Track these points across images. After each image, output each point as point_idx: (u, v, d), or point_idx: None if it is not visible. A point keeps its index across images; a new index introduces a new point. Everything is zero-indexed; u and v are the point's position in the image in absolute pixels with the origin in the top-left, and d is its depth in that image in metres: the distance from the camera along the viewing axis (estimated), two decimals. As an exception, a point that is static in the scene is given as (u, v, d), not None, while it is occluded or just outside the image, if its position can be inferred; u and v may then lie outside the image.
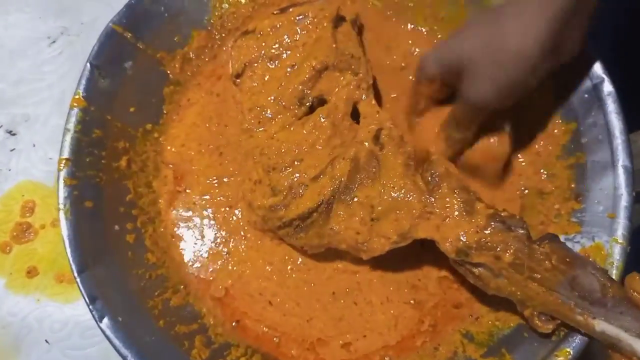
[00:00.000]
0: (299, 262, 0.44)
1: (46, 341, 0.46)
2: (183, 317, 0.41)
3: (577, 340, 0.36)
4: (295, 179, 0.41)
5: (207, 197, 0.46)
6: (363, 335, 0.42)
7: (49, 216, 0.49)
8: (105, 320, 0.36)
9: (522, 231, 0.37)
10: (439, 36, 0.50)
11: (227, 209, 0.46)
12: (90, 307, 0.36)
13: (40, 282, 0.48)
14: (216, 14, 0.49)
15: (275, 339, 0.42)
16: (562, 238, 0.39)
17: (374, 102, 0.43)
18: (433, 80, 0.42)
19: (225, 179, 0.47)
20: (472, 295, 0.43)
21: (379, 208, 0.39)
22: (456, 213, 0.38)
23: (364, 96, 0.43)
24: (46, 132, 0.51)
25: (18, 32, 0.56)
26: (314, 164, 0.41)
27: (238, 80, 0.45)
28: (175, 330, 0.39)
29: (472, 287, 0.41)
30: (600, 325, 0.34)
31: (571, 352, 0.36)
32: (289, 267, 0.44)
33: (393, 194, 0.39)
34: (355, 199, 0.40)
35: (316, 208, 0.40)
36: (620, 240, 0.37)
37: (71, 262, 0.37)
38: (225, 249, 0.45)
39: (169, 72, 0.48)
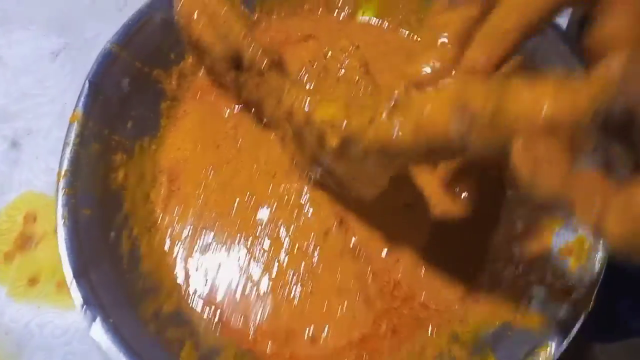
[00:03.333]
0: (267, 240, 0.46)
1: (47, 346, 0.47)
2: (174, 322, 0.42)
3: (558, 334, 0.37)
4: None
5: (202, 185, 0.48)
6: (326, 328, 0.43)
7: (50, 225, 0.51)
8: (97, 320, 0.38)
9: None
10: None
11: (221, 192, 0.48)
12: (83, 309, 0.38)
13: (41, 290, 0.49)
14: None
15: (251, 333, 0.43)
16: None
17: None
18: None
19: (222, 166, 0.48)
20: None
21: None
22: None
23: None
24: (48, 145, 0.53)
25: (22, 49, 0.58)
26: None
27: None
28: (165, 334, 0.41)
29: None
30: None
31: (551, 345, 0.37)
32: (258, 241, 0.46)
33: None
34: None
35: None
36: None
37: (66, 265, 0.39)
38: (212, 233, 0.46)
39: (165, 88, 0.50)
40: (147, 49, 0.49)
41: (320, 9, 0.55)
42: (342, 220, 0.46)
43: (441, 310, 0.43)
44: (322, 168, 0.40)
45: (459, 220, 0.46)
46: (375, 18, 0.55)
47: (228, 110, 0.51)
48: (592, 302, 0.38)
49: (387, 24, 0.55)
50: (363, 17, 0.55)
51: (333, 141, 0.31)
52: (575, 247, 0.40)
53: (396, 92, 0.28)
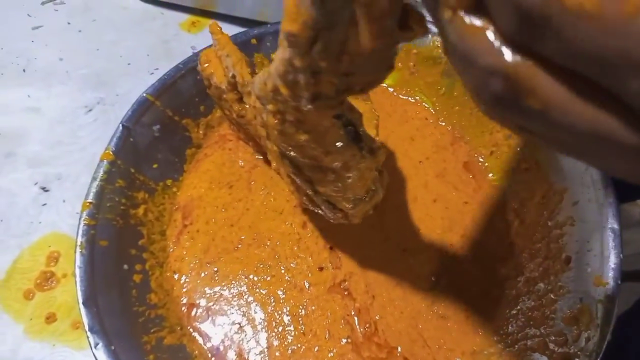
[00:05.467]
0: (268, 275, 0.47)
1: (56, 385, 0.47)
2: (174, 355, 0.42)
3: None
4: None
5: (213, 220, 0.50)
6: None
7: (71, 266, 0.51)
8: (99, 346, 0.38)
9: None
10: (438, 108, 0.54)
11: (228, 228, 0.49)
12: (88, 333, 0.39)
13: (57, 328, 0.50)
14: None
15: None
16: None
17: None
18: None
19: (233, 204, 0.51)
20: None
21: None
22: None
23: None
24: (76, 190, 0.55)
25: (59, 102, 0.62)
26: None
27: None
28: (163, 366, 0.41)
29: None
30: None
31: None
32: (258, 278, 0.47)
33: None
34: None
35: None
36: (606, 302, 0.37)
37: (78, 290, 0.40)
38: (216, 268, 0.47)
39: (192, 136, 0.53)
40: (179, 100, 0.52)
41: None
42: (332, 248, 0.48)
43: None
44: (293, 167, 0.40)
45: (466, 282, 0.46)
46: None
47: (245, 157, 0.53)
48: None
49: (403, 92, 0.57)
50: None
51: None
52: (580, 315, 0.39)
53: None
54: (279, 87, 0.29)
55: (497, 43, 0.16)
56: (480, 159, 0.52)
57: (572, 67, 0.15)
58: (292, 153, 0.36)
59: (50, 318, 0.50)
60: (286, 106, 0.31)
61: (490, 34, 0.16)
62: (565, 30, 0.14)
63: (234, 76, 0.43)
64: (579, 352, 0.37)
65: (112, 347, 0.38)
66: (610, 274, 0.39)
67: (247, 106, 0.45)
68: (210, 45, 0.48)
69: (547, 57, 0.15)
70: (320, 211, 0.44)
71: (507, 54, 0.16)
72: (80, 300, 0.40)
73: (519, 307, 0.43)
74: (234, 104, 0.45)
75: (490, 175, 0.51)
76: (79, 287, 0.40)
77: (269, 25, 0.55)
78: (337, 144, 0.34)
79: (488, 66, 0.16)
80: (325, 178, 0.37)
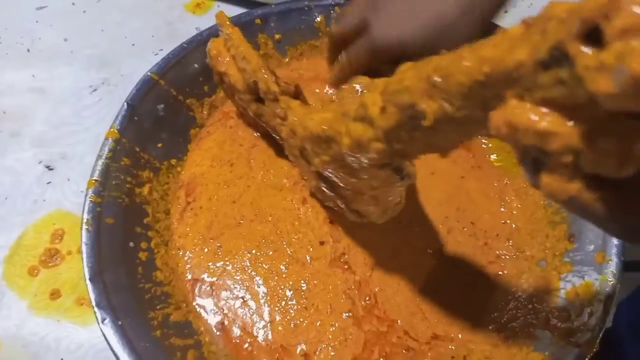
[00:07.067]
0: (270, 249, 0.48)
1: (62, 360, 0.48)
2: (180, 331, 0.43)
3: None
4: None
5: (215, 197, 0.50)
6: (318, 347, 0.43)
7: (76, 244, 0.52)
8: (107, 321, 0.39)
9: None
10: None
11: (230, 204, 0.50)
12: (95, 308, 0.39)
13: (61, 304, 0.50)
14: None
15: (247, 345, 0.43)
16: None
17: None
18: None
19: (234, 181, 0.51)
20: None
21: None
22: None
23: None
24: (80, 169, 0.56)
25: (63, 83, 0.62)
26: None
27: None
28: (170, 341, 0.41)
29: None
30: None
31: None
32: (260, 253, 0.47)
33: None
34: None
35: None
36: (609, 278, 0.38)
37: (85, 266, 0.41)
38: (219, 244, 0.48)
39: (196, 116, 0.53)
40: (183, 79, 0.52)
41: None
42: (333, 222, 0.48)
43: (432, 345, 0.43)
44: (328, 184, 0.42)
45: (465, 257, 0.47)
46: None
47: (245, 136, 0.54)
48: (597, 346, 0.37)
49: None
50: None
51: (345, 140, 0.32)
52: (583, 291, 0.40)
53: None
54: (344, 155, 0.30)
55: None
56: (483, 141, 0.52)
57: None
58: (335, 180, 0.37)
59: (55, 294, 0.51)
60: (345, 163, 0.32)
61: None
62: None
63: (255, 82, 0.44)
64: (581, 327, 0.38)
65: (119, 323, 0.39)
66: (614, 250, 0.39)
67: (266, 108, 0.46)
68: (217, 32, 0.48)
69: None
70: (345, 214, 0.46)
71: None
72: (87, 277, 0.40)
73: (520, 284, 0.44)
74: (251, 103, 0.46)
75: (493, 156, 0.51)
76: (85, 264, 0.41)
77: (272, 6, 0.55)
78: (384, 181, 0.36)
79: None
80: (361, 199, 0.39)
